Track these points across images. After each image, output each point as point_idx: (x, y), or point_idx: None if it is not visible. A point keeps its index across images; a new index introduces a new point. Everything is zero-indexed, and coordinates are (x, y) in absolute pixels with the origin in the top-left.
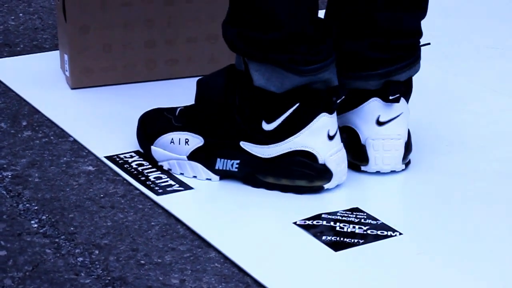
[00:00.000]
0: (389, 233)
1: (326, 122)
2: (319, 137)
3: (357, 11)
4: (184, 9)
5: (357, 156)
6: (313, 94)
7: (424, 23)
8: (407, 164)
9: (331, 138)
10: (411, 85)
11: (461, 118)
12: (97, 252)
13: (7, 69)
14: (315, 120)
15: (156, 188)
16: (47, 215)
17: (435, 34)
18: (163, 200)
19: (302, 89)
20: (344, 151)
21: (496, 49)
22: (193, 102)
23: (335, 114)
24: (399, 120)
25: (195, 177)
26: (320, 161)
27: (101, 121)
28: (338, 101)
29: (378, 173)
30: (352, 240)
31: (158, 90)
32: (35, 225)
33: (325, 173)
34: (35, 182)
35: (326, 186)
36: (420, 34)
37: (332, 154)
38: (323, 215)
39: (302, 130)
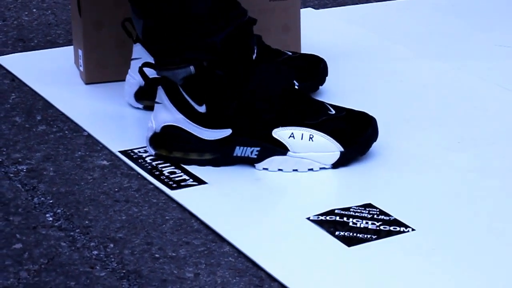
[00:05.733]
0: (402, 229)
1: None
2: None
3: None
4: None
5: None
6: None
7: (435, 22)
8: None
9: None
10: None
11: (472, 115)
12: (112, 245)
13: (21, 64)
14: None
15: (170, 182)
16: (62, 209)
17: (446, 33)
18: (177, 195)
19: None
20: None
21: (506, 47)
22: None
23: None
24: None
25: None
26: None
27: (115, 116)
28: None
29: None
30: (365, 236)
31: None
32: (50, 219)
33: None
34: (50, 176)
35: None
36: None
37: None
38: (336, 211)
39: None
